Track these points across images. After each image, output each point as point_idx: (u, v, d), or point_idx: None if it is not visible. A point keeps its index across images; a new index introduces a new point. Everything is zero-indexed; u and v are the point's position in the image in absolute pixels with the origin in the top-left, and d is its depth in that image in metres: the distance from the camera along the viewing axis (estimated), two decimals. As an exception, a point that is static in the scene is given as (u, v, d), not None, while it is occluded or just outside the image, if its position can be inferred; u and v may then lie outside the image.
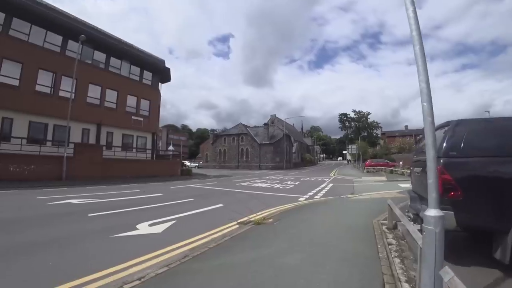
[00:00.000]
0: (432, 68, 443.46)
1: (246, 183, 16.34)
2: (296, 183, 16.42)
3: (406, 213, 4.10)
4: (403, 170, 23.56)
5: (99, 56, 22.03)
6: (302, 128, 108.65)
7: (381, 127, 71.71)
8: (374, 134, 67.08)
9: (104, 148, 20.70)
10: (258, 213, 6.74)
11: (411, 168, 4.72)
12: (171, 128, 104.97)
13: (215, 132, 58.67)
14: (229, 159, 51.76)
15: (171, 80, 29.35)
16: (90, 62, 21.41)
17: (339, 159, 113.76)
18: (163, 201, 8.91)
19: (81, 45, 18.62)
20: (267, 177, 22.17)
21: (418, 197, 3.93)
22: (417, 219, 3.71)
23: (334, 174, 26.85)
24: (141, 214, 6.72)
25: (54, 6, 19.20)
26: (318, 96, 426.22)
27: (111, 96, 22.36)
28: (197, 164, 55.97)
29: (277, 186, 14.67)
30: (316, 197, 10.42)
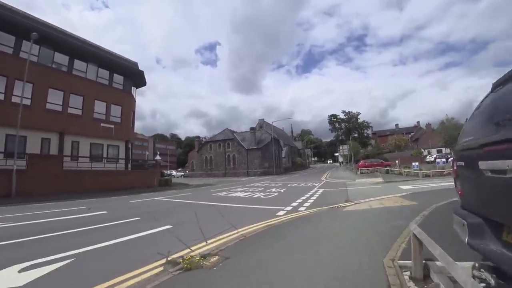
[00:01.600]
0: (416, 68, 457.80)
1: (223, 193, 14.16)
2: (282, 191, 14.36)
3: (478, 273, 1.91)
4: (400, 170, 22.03)
5: (61, 58, 19.78)
6: (292, 132, 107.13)
7: (371, 127, 70.77)
8: (365, 134, 65.79)
9: (69, 159, 18.39)
10: (209, 241, 4.65)
11: (457, 164, 2.34)
12: (158, 138, 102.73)
13: (201, 139, 56.11)
14: (216, 166, 49.10)
15: (146, 84, 27.28)
16: (50, 65, 19.15)
17: (329, 161, 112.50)
18: (100, 222, 6.73)
19: (36, 45, 16.65)
20: (252, 185, 20.03)
21: (490, 225, 1.82)
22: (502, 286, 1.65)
23: (325, 178, 24.93)
24: (34, 247, 4.58)
25: (4, 3, 17.00)
26: (307, 100, 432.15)
27: (76, 101, 20.08)
28: (182, 173, 53.33)
29: (257, 195, 12.53)
30: (301, 208, 8.37)
